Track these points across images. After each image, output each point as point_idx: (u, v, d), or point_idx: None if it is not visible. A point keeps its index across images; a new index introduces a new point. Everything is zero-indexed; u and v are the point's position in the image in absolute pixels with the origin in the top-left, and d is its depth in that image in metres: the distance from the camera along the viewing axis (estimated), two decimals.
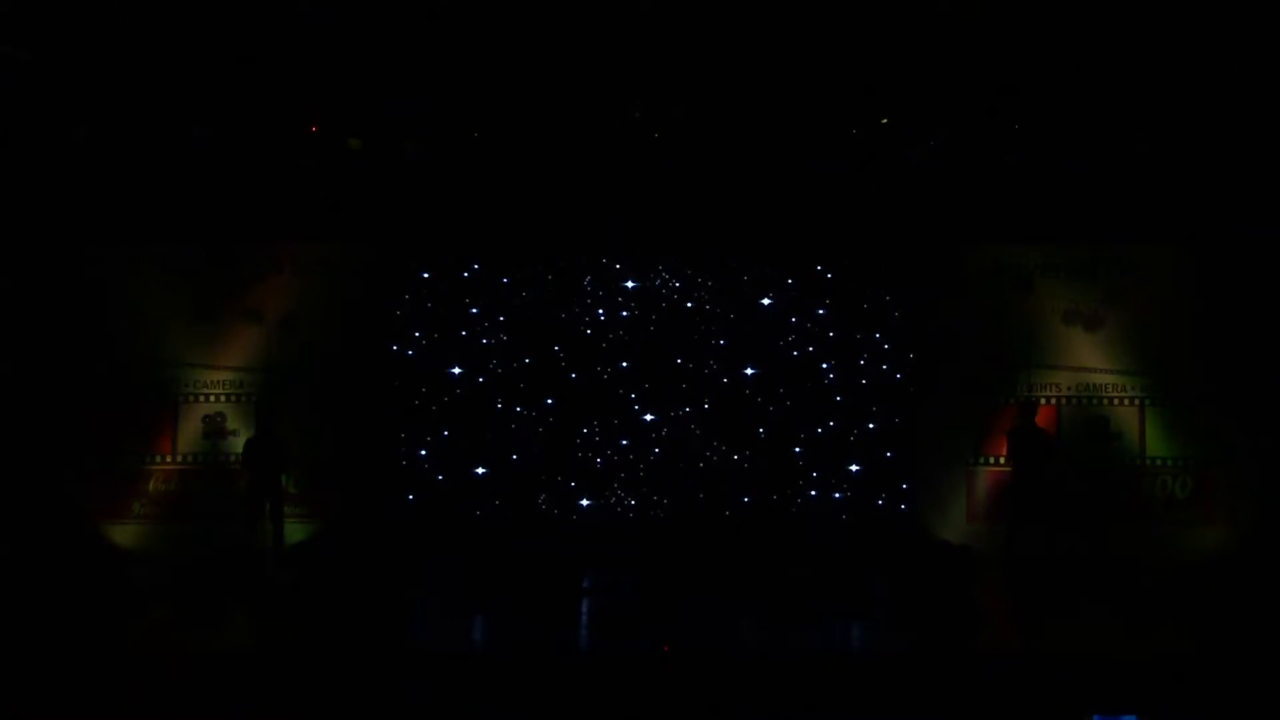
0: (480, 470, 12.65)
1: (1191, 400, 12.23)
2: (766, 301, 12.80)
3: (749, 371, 12.75)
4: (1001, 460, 12.07)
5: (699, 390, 12.74)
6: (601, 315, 12.82)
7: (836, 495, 12.65)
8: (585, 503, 12.68)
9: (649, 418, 12.73)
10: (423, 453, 12.69)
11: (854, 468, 12.65)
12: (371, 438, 12.47)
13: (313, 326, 12.46)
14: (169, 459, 12.39)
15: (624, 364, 12.77)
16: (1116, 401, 12.39)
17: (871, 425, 12.67)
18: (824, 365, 12.74)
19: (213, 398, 12.46)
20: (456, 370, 12.75)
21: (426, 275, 12.80)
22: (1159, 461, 12.30)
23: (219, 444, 12.39)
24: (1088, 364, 12.40)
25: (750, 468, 12.67)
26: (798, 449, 12.68)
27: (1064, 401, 12.41)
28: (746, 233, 12.53)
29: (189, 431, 12.42)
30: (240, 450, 11.79)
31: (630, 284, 12.86)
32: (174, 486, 12.33)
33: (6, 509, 11.85)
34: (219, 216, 12.28)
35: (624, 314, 12.83)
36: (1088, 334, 12.36)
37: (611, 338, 12.81)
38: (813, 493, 12.66)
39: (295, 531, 11.81)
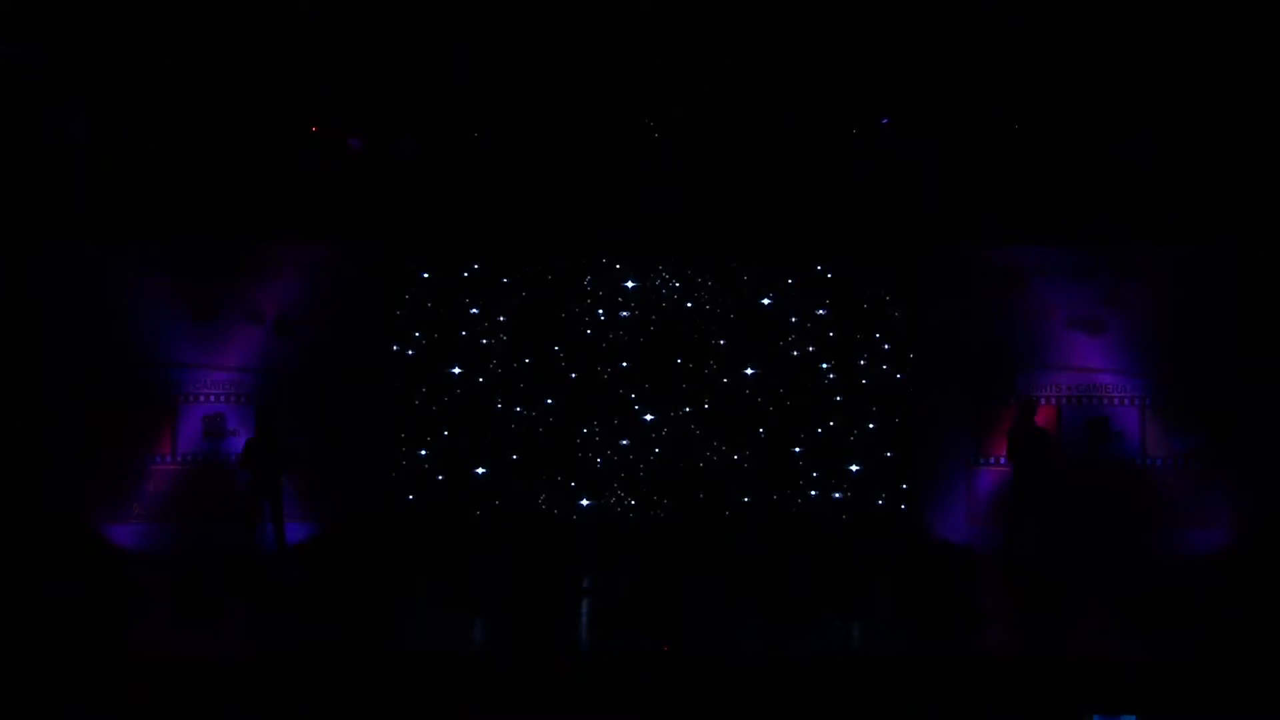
0: (480, 470, 12.64)
1: (1191, 400, 12.24)
2: (766, 301, 12.80)
3: (749, 371, 12.74)
4: (1001, 460, 12.06)
5: (699, 390, 12.73)
6: (601, 315, 12.82)
7: (836, 495, 12.65)
8: (585, 503, 12.68)
9: (649, 418, 12.72)
10: (423, 453, 12.68)
11: (854, 468, 12.65)
12: (371, 438, 12.47)
13: (313, 326, 12.45)
14: (169, 459, 12.39)
15: (624, 364, 12.77)
16: (1116, 401, 12.39)
17: (871, 425, 12.66)
18: (824, 365, 12.73)
19: (213, 398, 12.46)
20: (456, 370, 12.74)
21: (426, 275, 12.79)
22: (1159, 461, 12.30)
23: (219, 444, 12.39)
24: (1088, 364, 12.40)
25: (750, 468, 12.66)
26: (798, 449, 12.67)
27: (1064, 401, 12.41)
28: (746, 233, 12.52)
29: (189, 431, 12.41)
30: (240, 450, 11.78)
31: (630, 284, 12.85)
32: (174, 486, 12.33)
33: (6, 509, 11.85)
34: (220, 216, 12.27)
35: (624, 314, 12.82)
36: (1091, 338, 12.37)
37: (611, 338, 12.80)
38: (813, 493, 12.65)
39: (295, 531, 11.80)
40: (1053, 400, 12.39)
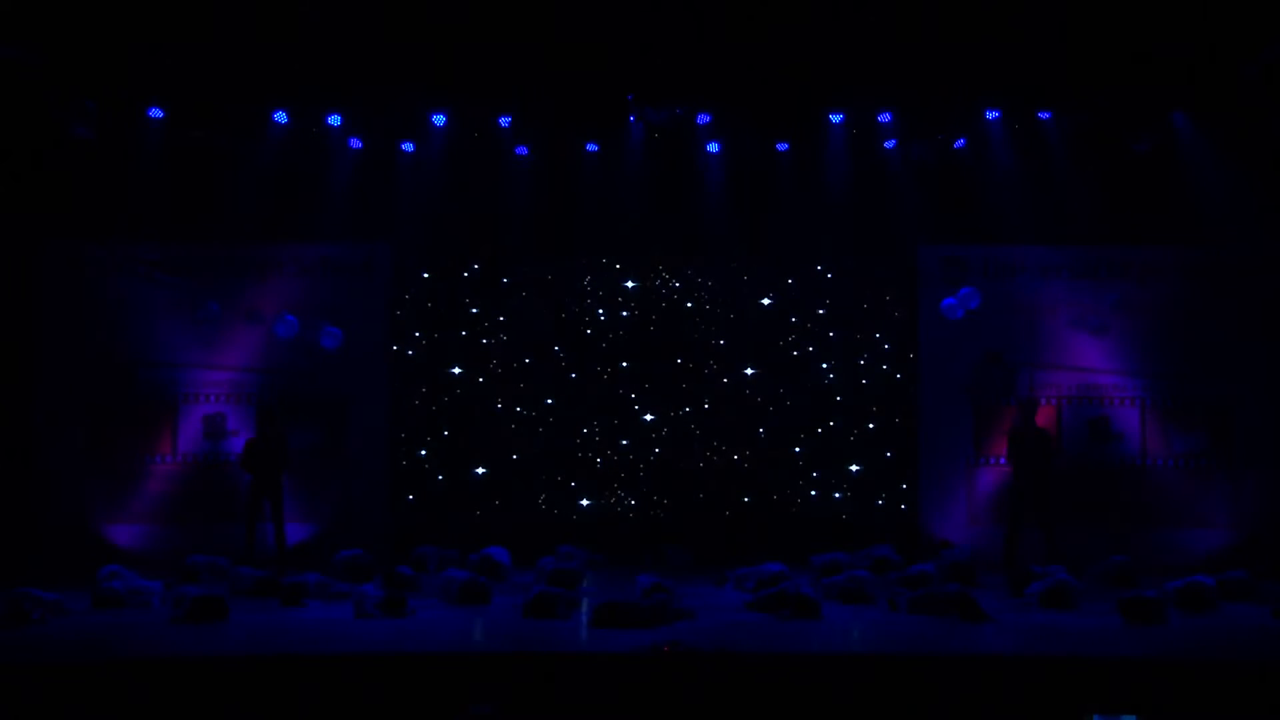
0: (480, 470, 12.65)
1: (1191, 400, 12.24)
2: (766, 301, 12.80)
3: (749, 371, 12.75)
4: (1001, 460, 12.06)
5: (699, 390, 12.74)
6: (601, 315, 12.82)
7: (836, 495, 12.66)
8: (585, 503, 12.68)
9: (649, 418, 12.73)
10: (423, 453, 12.69)
11: (854, 468, 12.65)
12: (371, 438, 12.47)
13: (313, 326, 12.44)
14: (169, 459, 12.39)
15: (624, 364, 12.77)
16: (1117, 401, 12.39)
17: (871, 425, 12.68)
18: (824, 365, 12.74)
19: (213, 398, 12.46)
20: (456, 370, 12.75)
21: (426, 275, 12.80)
22: (1159, 461, 12.30)
23: (219, 444, 12.39)
24: (1089, 364, 12.40)
25: (750, 468, 12.67)
26: (798, 449, 12.68)
27: (1065, 401, 12.41)
28: (745, 233, 12.53)
29: (189, 431, 12.41)
30: (240, 450, 11.77)
31: (630, 284, 12.85)
32: (174, 486, 12.32)
33: (6, 509, 11.85)
34: (220, 216, 12.27)
35: (624, 314, 12.83)
36: (1092, 338, 12.37)
37: (611, 338, 12.81)
38: (813, 493, 12.66)
39: (295, 531, 11.79)
40: (1053, 400, 12.39)
